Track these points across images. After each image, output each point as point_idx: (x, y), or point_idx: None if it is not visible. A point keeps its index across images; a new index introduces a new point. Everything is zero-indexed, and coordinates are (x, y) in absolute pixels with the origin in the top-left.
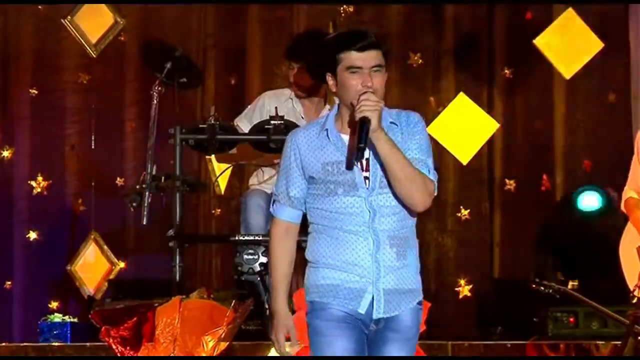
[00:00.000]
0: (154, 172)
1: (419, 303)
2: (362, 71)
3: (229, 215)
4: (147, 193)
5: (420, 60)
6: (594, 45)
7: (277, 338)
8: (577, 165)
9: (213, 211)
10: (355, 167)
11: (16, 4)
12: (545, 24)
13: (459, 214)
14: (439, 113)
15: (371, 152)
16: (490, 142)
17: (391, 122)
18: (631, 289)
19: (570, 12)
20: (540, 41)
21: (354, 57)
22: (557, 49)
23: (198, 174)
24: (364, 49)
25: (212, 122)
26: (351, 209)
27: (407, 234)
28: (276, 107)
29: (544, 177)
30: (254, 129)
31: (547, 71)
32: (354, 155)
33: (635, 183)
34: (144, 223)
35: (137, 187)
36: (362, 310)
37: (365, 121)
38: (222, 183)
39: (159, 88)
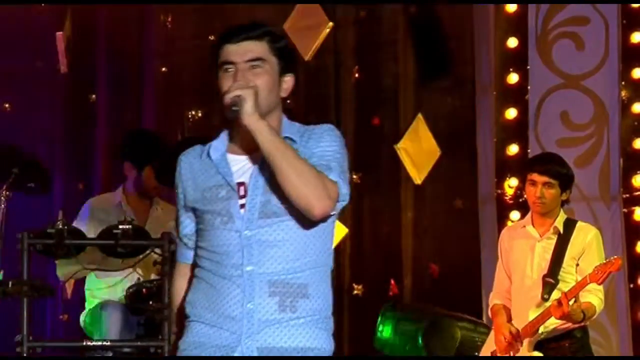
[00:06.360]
0: (1, 278)
1: None
2: (236, 67)
3: (76, 320)
4: None
5: None
6: (435, 152)
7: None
8: (424, 270)
9: (61, 316)
10: (232, 192)
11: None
12: (392, 129)
13: None
14: None
15: (252, 174)
16: (338, 247)
17: (287, 137)
18: None
19: (419, 118)
20: (399, 146)
21: (226, 50)
22: (410, 155)
23: (46, 279)
24: (239, 40)
25: (60, 227)
26: (227, 246)
27: (303, 280)
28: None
29: (392, 282)
30: (102, 234)
31: (394, 176)
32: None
33: (500, 287)
34: None
35: None
36: None
37: (236, 101)
38: (69, 288)
39: (7, 193)
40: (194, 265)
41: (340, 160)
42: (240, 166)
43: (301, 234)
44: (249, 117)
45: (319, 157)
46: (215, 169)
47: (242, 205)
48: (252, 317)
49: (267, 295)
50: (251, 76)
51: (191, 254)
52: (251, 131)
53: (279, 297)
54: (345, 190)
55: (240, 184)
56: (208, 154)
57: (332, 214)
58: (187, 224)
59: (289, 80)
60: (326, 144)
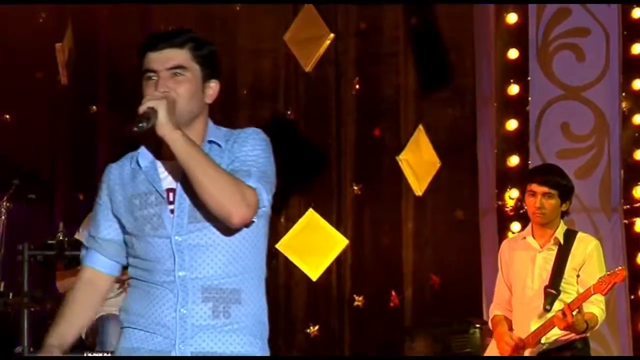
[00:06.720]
0: (1, 289)
1: None
2: (158, 75)
3: None
4: None
5: None
6: (434, 163)
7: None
8: (425, 282)
9: None
10: (160, 198)
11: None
12: (393, 140)
13: (308, 330)
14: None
15: (181, 180)
16: (339, 259)
17: (212, 142)
18: None
19: (420, 129)
20: (401, 157)
21: (148, 58)
22: (412, 166)
23: (46, 290)
24: (161, 48)
25: (61, 238)
26: (158, 253)
27: (236, 285)
28: None
29: (393, 293)
30: None
31: (395, 187)
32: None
33: (501, 298)
34: None
35: None
36: None
37: (148, 113)
38: None
39: (7, 204)
40: (132, 277)
41: (264, 165)
42: (170, 172)
43: (232, 238)
44: (163, 127)
45: (241, 162)
46: (144, 176)
47: (172, 211)
48: (185, 322)
49: (201, 301)
50: (172, 84)
51: (103, 260)
52: (166, 141)
53: (213, 302)
54: (265, 196)
55: (170, 189)
56: (137, 162)
57: (252, 220)
58: (114, 229)
59: (213, 87)
60: (249, 149)
